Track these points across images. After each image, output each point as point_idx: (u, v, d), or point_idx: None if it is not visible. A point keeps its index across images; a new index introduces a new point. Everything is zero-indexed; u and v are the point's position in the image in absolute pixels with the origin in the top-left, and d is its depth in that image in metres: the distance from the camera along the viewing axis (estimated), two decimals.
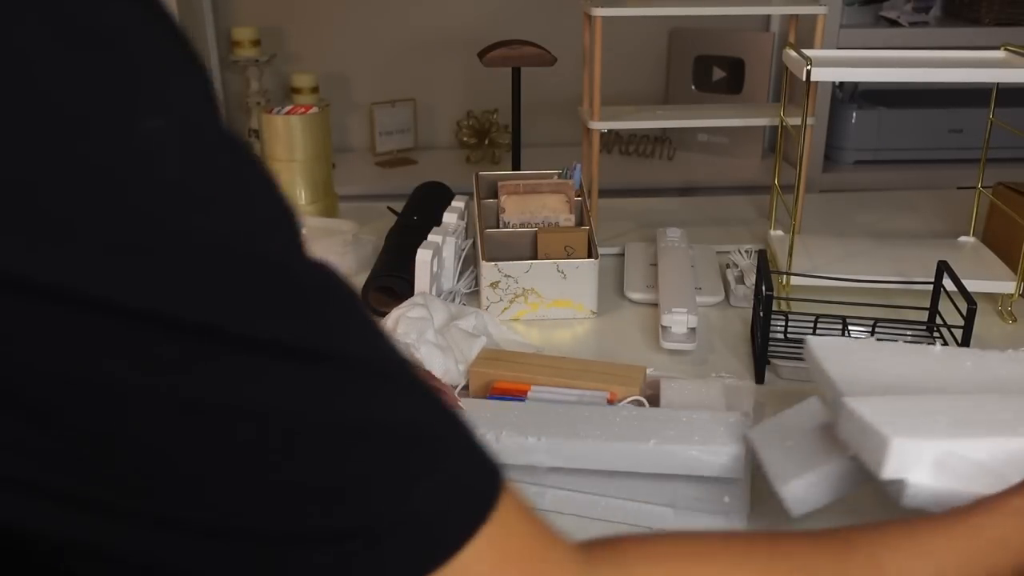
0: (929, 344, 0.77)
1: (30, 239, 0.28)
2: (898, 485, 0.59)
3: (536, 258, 1.10)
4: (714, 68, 2.13)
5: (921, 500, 0.58)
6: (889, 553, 0.47)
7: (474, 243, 1.18)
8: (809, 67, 1.01)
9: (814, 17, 1.22)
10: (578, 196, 1.18)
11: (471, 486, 0.35)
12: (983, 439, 0.59)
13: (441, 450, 0.35)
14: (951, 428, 0.59)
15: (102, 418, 0.30)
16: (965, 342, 0.91)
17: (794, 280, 1.10)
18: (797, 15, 1.29)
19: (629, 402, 0.85)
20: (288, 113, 1.33)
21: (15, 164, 0.28)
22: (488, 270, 1.07)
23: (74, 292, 0.28)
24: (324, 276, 0.35)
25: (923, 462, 0.58)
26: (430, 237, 1.12)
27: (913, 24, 2.06)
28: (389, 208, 1.33)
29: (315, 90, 2.07)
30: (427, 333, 0.93)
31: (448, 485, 0.34)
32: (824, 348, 0.72)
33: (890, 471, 0.58)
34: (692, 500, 0.73)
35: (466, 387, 0.91)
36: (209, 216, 0.31)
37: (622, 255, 1.26)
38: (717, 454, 0.73)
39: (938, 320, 1.00)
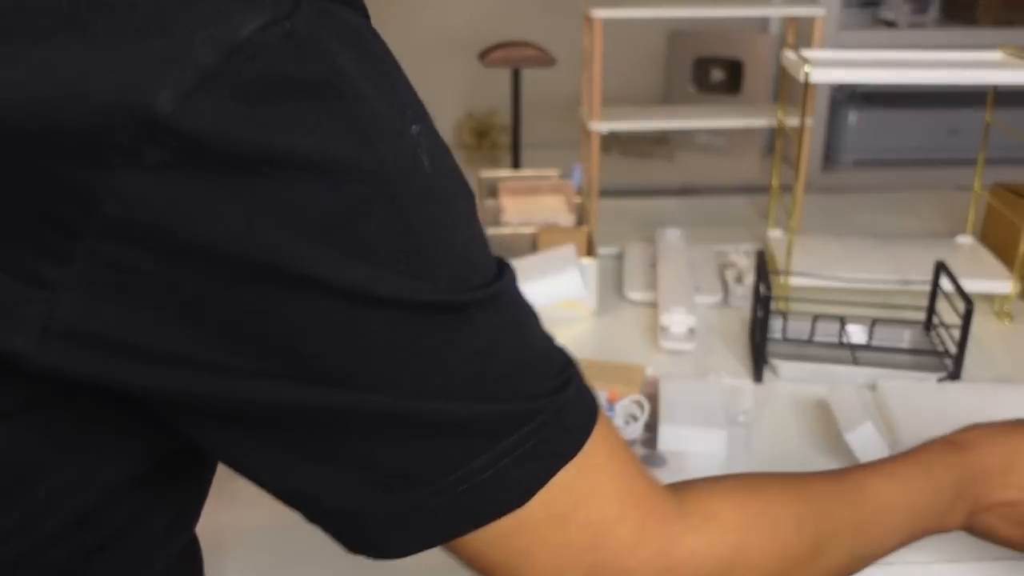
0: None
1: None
2: None
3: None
4: (713, 69, 2.13)
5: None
6: (870, 477, 0.55)
7: None
8: (807, 68, 1.02)
9: (812, 19, 1.23)
10: (578, 196, 1.19)
11: (587, 391, 0.44)
12: None
13: (570, 360, 0.44)
14: None
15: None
16: (962, 342, 0.91)
17: (792, 280, 1.11)
18: (796, 17, 1.30)
19: (629, 401, 0.85)
20: None
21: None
22: None
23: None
24: (487, 250, 0.43)
25: None
26: None
27: (911, 25, 2.06)
28: None
29: None
30: None
31: (580, 387, 0.43)
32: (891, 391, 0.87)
33: None
34: None
35: None
36: (448, 210, 0.39)
37: (622, 255, 1.26)
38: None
39: (935, 320, 1.01)
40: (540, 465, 0.41)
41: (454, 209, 0.40)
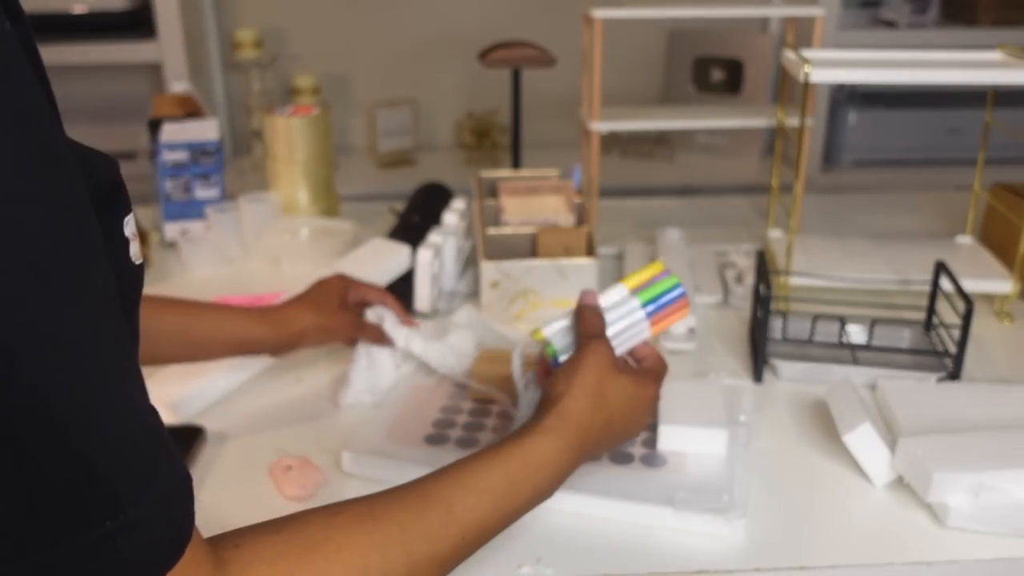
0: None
1: None
2: (942, 507, 0.73)
3: (536, 258, 1.10)
4: (713, 69, 2.13)
5: (962, 520, 0.72)
6: (460, 495, 0.56)
7: (474, 243, 1.18)
8: (807, 68, 1.02)
9: (812, 19, 1.23)
10: (578, 196, 1.19)
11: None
12: (1010, 471, 0.72)
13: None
14: (983, 462, 0.73)
15: None
16: (962, 342, 0.91)
17: (792, 280, 1.11)
18: (795, 17, 1.30)
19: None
20: (290, 115, 1.34)
21: None
22: (488, 270, 1.08)
23: None
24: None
25: (960, 490, 0.73)
26: (431, 237, 1.13)
27: (911, 25, 2.06)
28: (390, 208, 1.34)
29: (316, 91, 2.08)
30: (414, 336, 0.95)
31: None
32: (891, 391, 0.88)
33: (933, 496, 0.73)
34: (691, 499, 0.74)
35: (466, 386, 0.92)
36: None
37: (622, 255, 1.26)
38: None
39: (935, 320, 1.01)
40: None
41: None
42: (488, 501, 0.57)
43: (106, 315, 0.38)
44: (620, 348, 0.75)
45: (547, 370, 0.76)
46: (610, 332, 0.74)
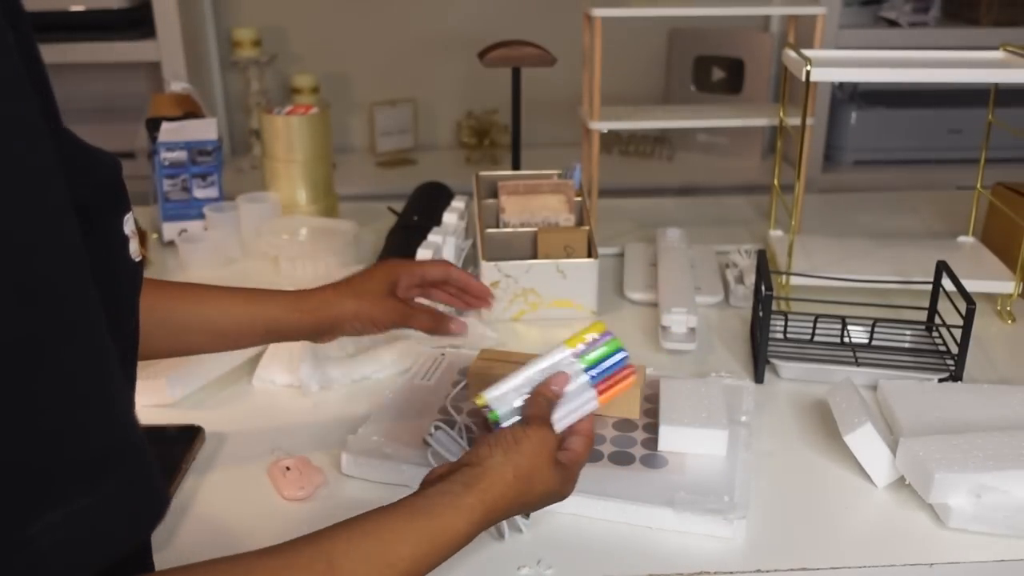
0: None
1: None
2: (944, 508, 0.73)
3: (536, 258, 1.10)
4: (714, 68, 2.13)
5: (964, 521, 0.72)
6: (363, 568, 0.53)
7: (474, 243, 1.18)
8: (808, 67, 1.02)
9: (813, 17, 1.22)
10: (578, 196, 1.19)
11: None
12: (1012, 471, 0.72)
13: None
14: (985, 463, 0.73)
15: None
16: (963, 342, 0.91)
17: (793, 280, 1.10)
18: (796, 16, 1.30)
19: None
20: (289, 113, 1.33)
21: None
22: (488, 270, 1.07)
23: None
24: None
25: (961, 490, 0.73)
26: (430, 237, 1.12)
27: (912, 24, 2.06)
28: (389, 208, 1.34)
29: (315, 90, 2.08)
30: None
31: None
32: (893, 391, 0.88)
33: (934, 497, 0.73)
34: (692, 500, 0.74)
35: (466, 386, 0.91)
36: None
37: (622, 255, 1.26)
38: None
39: (937, 320, 1.01)
40: None
41: None
42: (380, 560, 0.54)
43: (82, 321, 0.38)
44: (564, 421, 0.69)
45: (487, 426, 0.71)
46: (558, 412, 0.69)
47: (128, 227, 0.47)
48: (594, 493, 0.75)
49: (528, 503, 0.64)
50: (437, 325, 0.86)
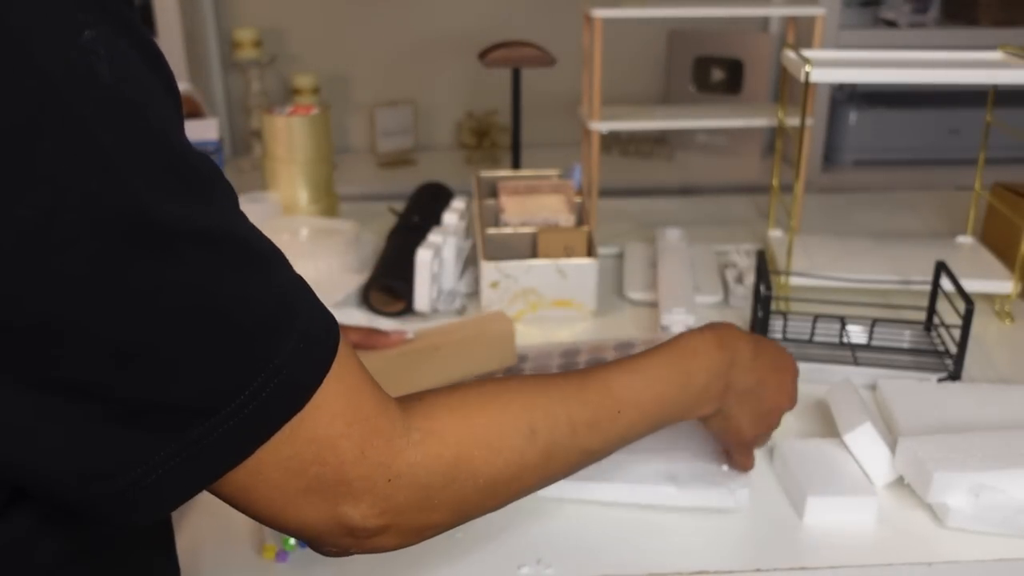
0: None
1: None
2: (943, 507, 0.73)
3: (536, 258, 1.10)
4: (713, 69, 2.13)
5: (962, 521, 0.72)
6: (615, 374, 0.61)
7: (474, 243, 1.18)
8: (808, 68, 1.02)
9: (813, 18, 1.22)
10: (578, 196, 1.19)
11: (318, 336, 0.45)
12: (1011, 471, 0.72)
13: (297, 310, 0.44)
14: (983, 462, 0.73)
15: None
16: (962, 342, 0.91)
17: (793, 280, 1.10)
18: (796, 16, 1.30)
19: None
20: (289, 114, 1.34)
21: None
22: (488, 270, 1.08)
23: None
24: (210, 162, 0.42)
25: (960, 490, 0.73)
26: (430, 237, 1.12)
27: (911, 25, 2.06)
28: (390, 208, 1.34)
29: (316, 91, 2.08)
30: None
31: (302, 338, 0.44)
32: (892, 391, 0.88)
33: (933, 497, 0.73)
34: (693, 474, 0.75)
35: None
36: (142, 118, 0.37)
37: (622, 255, 1.26)
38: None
39: (936, 320, 1.01)
40: (279, 410, 0.43)
41: (152, 117, 0.38)
42: (640, 380, 0.62)
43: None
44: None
45: None
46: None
47: None
48: (596, 478, 0.75)
49: (759, 371, 0.70)
50: (365, 340, 0.91)
